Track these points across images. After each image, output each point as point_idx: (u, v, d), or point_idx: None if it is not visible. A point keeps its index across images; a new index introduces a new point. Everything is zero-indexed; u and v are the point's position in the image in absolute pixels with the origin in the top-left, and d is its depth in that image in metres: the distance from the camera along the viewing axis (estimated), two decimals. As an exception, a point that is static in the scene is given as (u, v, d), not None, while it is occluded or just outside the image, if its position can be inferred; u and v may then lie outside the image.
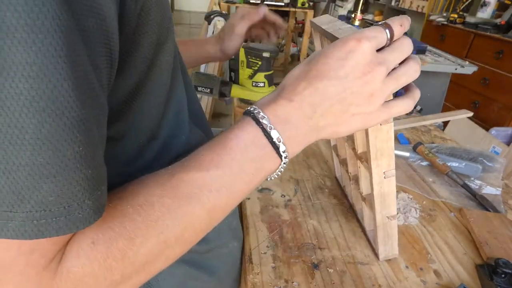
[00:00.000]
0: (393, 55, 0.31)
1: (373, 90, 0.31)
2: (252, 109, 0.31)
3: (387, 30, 0.31)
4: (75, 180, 0.21)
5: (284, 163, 0.32)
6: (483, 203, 0.67)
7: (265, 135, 0.30)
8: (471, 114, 1.04)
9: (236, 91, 1.02)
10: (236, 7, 2.21)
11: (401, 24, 0.32)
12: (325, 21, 0.48)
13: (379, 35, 0.31)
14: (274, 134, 0.30)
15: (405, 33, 0.33)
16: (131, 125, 0.32)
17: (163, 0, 0.29)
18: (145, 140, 0.34)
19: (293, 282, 0.48)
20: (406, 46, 0.32)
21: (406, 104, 0.34)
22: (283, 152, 0.31)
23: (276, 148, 0.30)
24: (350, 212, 0.64)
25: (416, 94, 0.35)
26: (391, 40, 0.32)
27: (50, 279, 0.23)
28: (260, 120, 0.30)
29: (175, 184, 0.28)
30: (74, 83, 0.19)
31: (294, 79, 0.32)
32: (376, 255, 0.54)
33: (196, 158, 0.30)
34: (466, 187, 0.71)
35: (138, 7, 0.25)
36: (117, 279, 0.26)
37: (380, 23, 0.32)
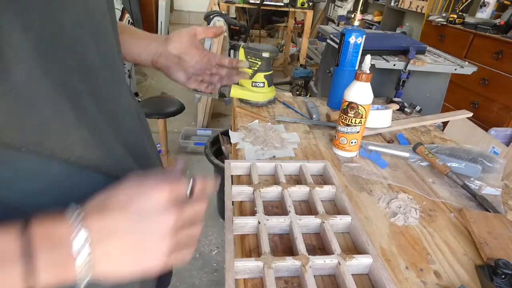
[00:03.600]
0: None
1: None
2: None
3: (190, 187, 0.34)
4: None
5: None
6: (483, 203, 0.67)
7: None
8: (470, 114, 1.04)
9: (235, 91, 1.02)
10: (236, 7, 2.20)
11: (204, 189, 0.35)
12: None
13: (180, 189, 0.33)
14: None
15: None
16: None
17: None
18: None
19: (293, 283, 0.48)
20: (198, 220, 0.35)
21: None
22: None
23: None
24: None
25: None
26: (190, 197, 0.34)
27: None
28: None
29: None
30: None
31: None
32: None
33: None
34: (466, 187, 0.71)
35: None
36: None
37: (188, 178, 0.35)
